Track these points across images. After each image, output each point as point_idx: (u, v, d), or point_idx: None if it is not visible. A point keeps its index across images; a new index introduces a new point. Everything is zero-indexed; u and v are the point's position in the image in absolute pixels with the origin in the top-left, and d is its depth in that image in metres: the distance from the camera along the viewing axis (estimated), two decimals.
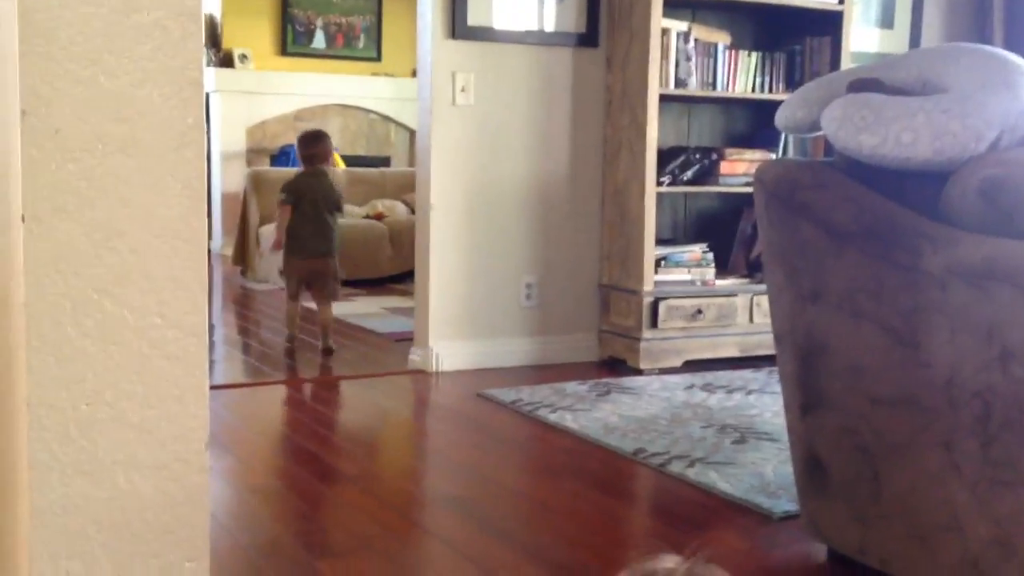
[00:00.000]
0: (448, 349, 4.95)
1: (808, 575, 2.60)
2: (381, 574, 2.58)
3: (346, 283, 7.82)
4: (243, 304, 7.51)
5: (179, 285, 1.36)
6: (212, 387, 4.76)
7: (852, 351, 2.39)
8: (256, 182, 8.50)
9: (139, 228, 1.35)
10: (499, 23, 4.92)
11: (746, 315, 5.13)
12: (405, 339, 5.45)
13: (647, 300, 4.93)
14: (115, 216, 1.35)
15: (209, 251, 9.18)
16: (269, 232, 8.09)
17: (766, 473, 3.31)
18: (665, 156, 5.10)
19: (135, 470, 1.34)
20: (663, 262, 5.03)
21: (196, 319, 1.38)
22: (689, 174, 5.14)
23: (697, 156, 5.16)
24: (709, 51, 5.15)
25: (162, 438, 1.35)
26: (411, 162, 10.45)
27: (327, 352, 5.43)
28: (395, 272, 8.27)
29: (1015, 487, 2.08)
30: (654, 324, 4.94)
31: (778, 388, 3.20)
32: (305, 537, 2.85)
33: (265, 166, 10.05)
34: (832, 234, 2.41)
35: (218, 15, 10.34)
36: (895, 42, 6.06)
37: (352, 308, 6.89)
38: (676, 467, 3.38)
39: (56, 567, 1.31)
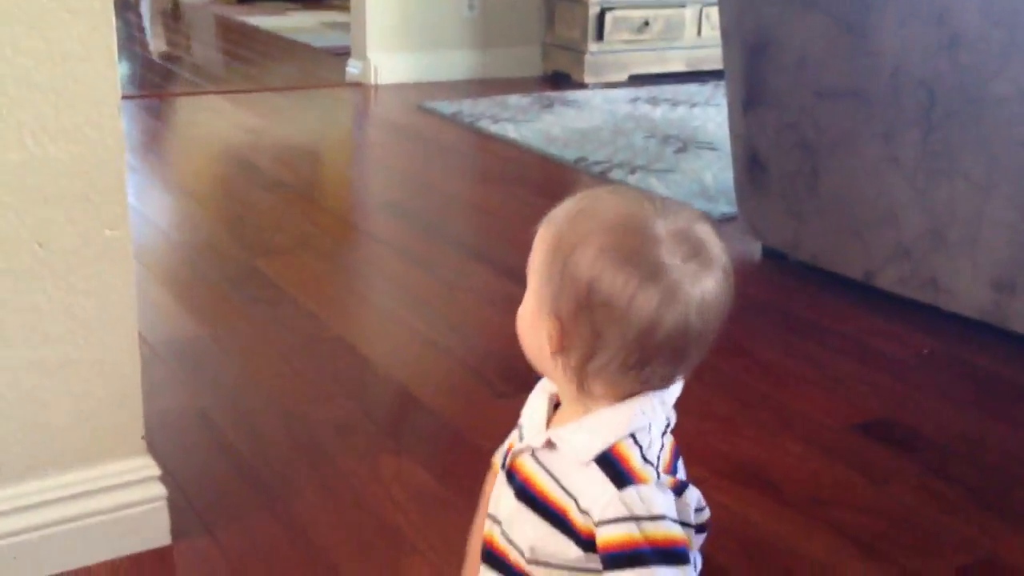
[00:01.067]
0: (387, 61, 4.80)
1: (743, 271, 2.64)
2: (318, 270, 2.57)
3: None
4: (173, 17, 7.19)
5: None
6: (144, 96, 4.62)
7: (800, 43, 2.33)
8: None
9: None
10: None
11: (695, 28, 5.00)
12: (343, 53, 5.26)
13: (593, 11, 4.77)
14: None
15: None
16: None
17: (706, 179, 3.31)
18: None
19: (44, 133, 1.26)
20: None
21: None
22: None
23: None
24: None
25: (71, 100, 1.27)
26: None
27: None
28: None
29: (952, 177, 2.08)
30: (600, 36, 4.81)
31: (723, 101, 3.15)
32: (242, 238, 2.82)
33: None
34: None
35: None
36: None
37: (288, 22, 6.62)
38: (617, 174, 3.36)
39: None
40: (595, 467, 0.94)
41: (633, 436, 0.95)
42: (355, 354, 2.09)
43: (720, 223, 2.90)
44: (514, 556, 1.00)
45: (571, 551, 0.95)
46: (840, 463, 1.71)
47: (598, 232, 0.92)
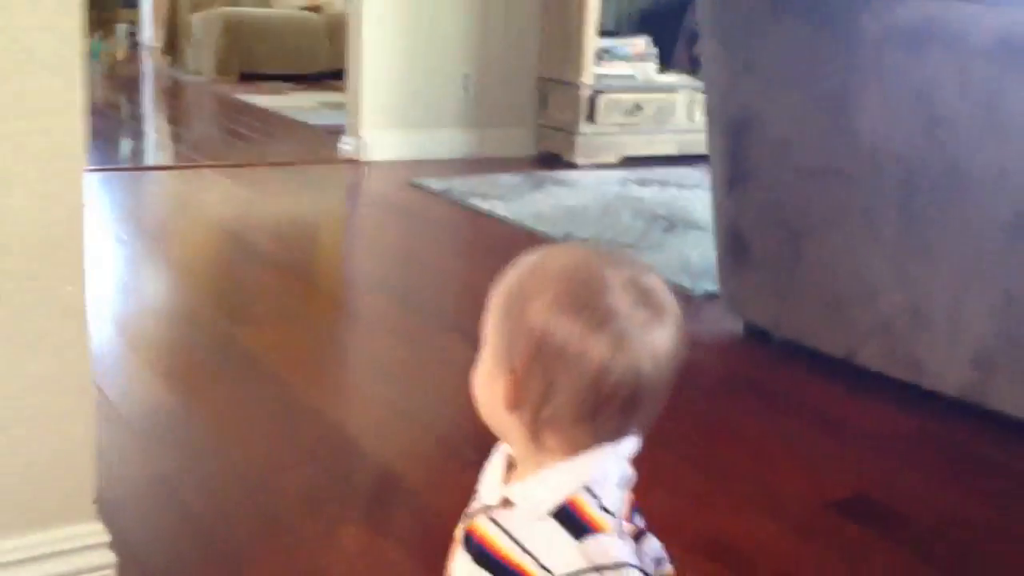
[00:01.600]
0: (381, 139, 4.83)
1: (725, 347, 2.62)
2: (299, 341, 2.55)
3: (282, 77, 7.63)
4: (173, 95, 7.27)
5: None
6: (139, 169, 4.65)
7: (782, 122, 2.34)
8: None
9: None
10: None
11: (685, 112, 5.05)
12: (338, 132, 5.30)
13: (585, 93, 4.82)
14: None
15: (139, 44, 8.84)
16: (200, 20, 7.78)
17: (691, 257, 3.30)
18: None
19: (4, 183, 1.26)
20: (604, 55, 4.89)
21: None
22: None
23: None
24: None
25: (35, 151, 1.27)
26: None
27: None
28: (333, 68, 8.01)
29: (931, 255, 2.07)
30: (591, 118, 4.85)
31: None
32: (225, 308, 2.80)
33: None
34: (772, 0, 2.32)
35: None
36: None
37: (287, 101, 6.69)
38: None
39: None
40: (552, 521, 0.92)
41: (589, 489, 0.93)
42: (326, 423, 2.06)
43: (703, 301, 2.89)
44: None
45: None
46: (814, 541, 1.67)
47: (549, 284, 0.92)
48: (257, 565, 1.54)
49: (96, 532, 1.40)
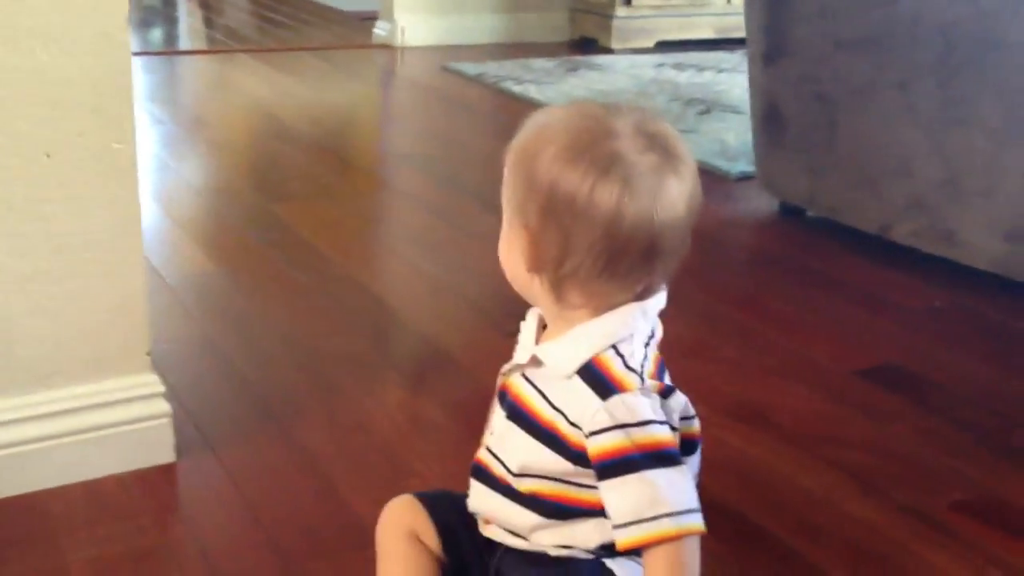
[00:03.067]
0: (414, 23, 4.80)
1: (760, 226, 2.64)
2: (334, 215, 2.59)
3: None
4: None
5: None
6: (175, 53, 4.65)
7: None
8: None
9: None
10: None
11: None
12: (373, 17, 5.26)
13: None
14: None
15: None
16: None
17: (727, 140, 3.29)
18: None
19: (54, 42, 1.28)
20: None
21: None
22: None
23: None
24: None
25: (81, 10, 1.29)
26: None
27: None
28: None
29: (968, 125, 2.06)
30: (627, 2, 4.79)
31: None
32: (261, 185, 2.84)
33: None
34: None
35: None
36: None
37: None
38: None
39: None
40: (578, 380, 0.95)
41: (615, 347, 0.95)
42: (367, 293, 2.11)
43: (739, 182, 2.90)
44: (499, 470, 1.02)
45: (561, 465, 0.97)
46: (844, 405, 1.70)
47: (555, 137, 0.93)
48: (302, 418, 1.60)
49: (151, 382, 1.46)
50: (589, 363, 0.95)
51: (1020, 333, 2.00)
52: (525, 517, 1.00)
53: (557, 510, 0.98)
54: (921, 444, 1.58)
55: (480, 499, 1.05)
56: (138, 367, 1.45)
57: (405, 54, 4.72)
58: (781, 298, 2.14)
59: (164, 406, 1.47)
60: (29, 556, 1.26)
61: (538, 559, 1.01)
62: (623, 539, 0.92)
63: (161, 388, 1.47)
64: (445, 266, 2.26)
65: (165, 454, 1.47)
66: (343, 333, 1.92)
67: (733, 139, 3.29)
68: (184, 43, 5.13)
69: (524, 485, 0.99)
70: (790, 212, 2.60)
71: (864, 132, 2.29)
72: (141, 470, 1.44)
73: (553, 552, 1.00)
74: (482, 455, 1.05)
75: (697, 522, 0.92)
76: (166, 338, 1.80)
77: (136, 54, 4.48)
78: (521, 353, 1.02)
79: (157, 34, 5.28)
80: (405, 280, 2.25)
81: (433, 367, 1.81)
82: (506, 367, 1.03)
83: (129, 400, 1.44)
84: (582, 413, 0.94)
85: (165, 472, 1.45)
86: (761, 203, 2.70)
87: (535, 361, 0.99)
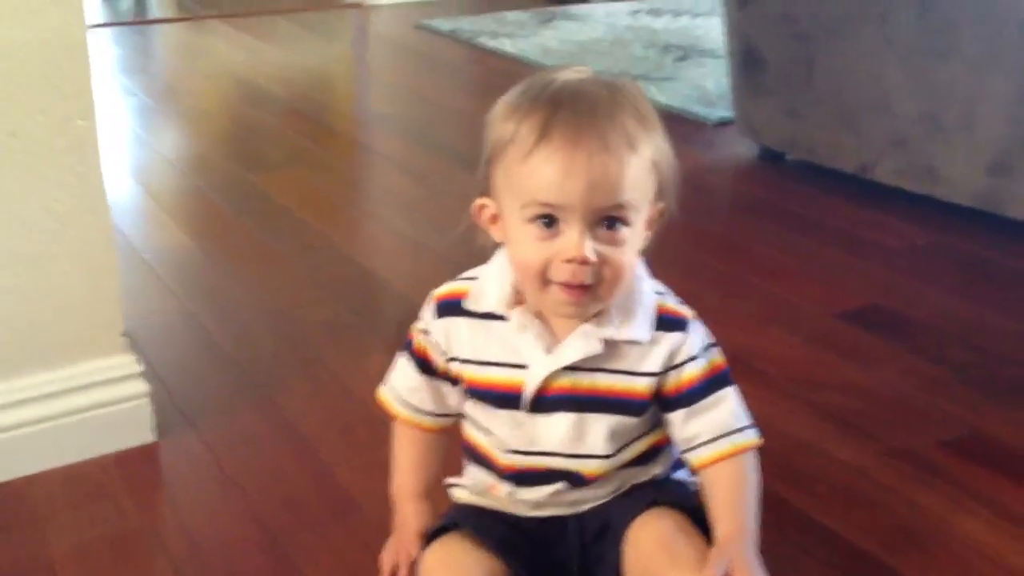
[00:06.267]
0: None
1: (740, 172, 2.62)
2: (314, 182, 2.56)
3: None
4: None
5: None
6: (144, 22, 4.59)
7: None
8: None
9: None
10: None
11: None
12: None
13: None
14: None
15: None
16: None
17: (706, 85, 3.26)
18: None
19: (7, 17, 1.25)
20: None
21: None
22: None
23: None
24: None
25: None
26: None
27: None
28: None
29: (947, 57, 2.04)
30: None
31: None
32: (236, 153, 2.81)
33: None
34: None
35: None
36: None
37: None
38: None
39: None
40: (656, 334, 0.97)
41: (657, 292, 1.00)
42: (346, 260, 2.09)
43: (718, 128, 2.87)
44: (581, 465, 1.00)
45: (645, 423, 1.01)
46: (828, 349, 1.70)
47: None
48: (284, 389, 1.59)
49: (127, 363, 1.44)
50: (656, 317, 0.98)
51: (1004, 269, 1.99)
52: (616, 481, 1.02)
53: (645, 460, 1.03)
54: (906, 385, 1.58)
55: (553, 495, 1.02)
56: (113, 348, 1.43)
57: (377, 12, 4.66)
58: (763, 244, 2.13)
59: (142, 386, 1.45)
60: (11, 543, 1.26)
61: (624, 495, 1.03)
62: (711, 453, 0.98)
63: (138, 368, 1.45)
64: (421, 227, 2.24)
65: (145, 434, 1.46)
66: (324, 301, 1.90)
67: (712, 85, 3.26)
68: (154, 11, 5.05)
69: (621, 458, 1.01)
70: (770, 156, 2.58)
71: (843, 70, 2.26)
72: (121, 451, 1.43)
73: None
74: (534, 462, 1.00)
75: (759, 435, 1.01)
76: (144, 314, 1.79)
77: (105, 25, 4.41)
78: (569, 351, 0.96)
79: (126, 3, 5.19)
80: (386, 244, 2.23)
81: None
82: (541, 374, 0.97)
83: (105, 382, 1.42)
84: (670, 357, 0.98)
85: (146, 452, 1.44)
86: (741, 148, 2.67)
87: (606, 344, 0.96)
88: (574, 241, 0.89)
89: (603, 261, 0.90)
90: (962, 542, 1.23)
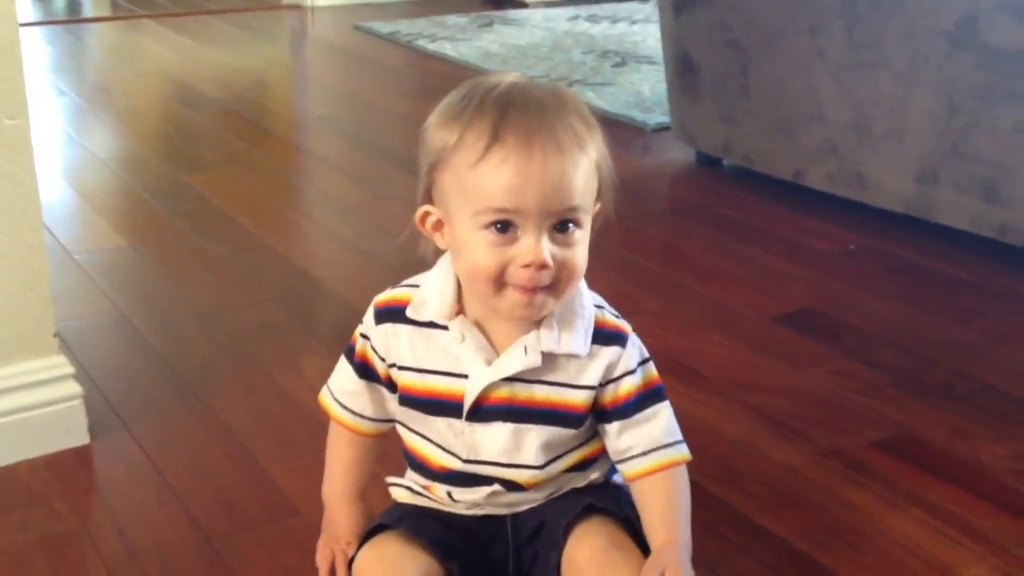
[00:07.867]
0: None
1: (677, 177, 2.64)
2: (250, 183, 2.54)
3: None
4: None
5: None
6: (79, 20, 4.51)
7: None
8: None
9: None
10: None
11: None
12: None
13: None
14: None
15: None
16: None
17: (643, 91, 3.29)
18: None
19: None
20: None
21: None
22: None
23: None
24: None
25: None
26: None
27: None
28: None
29: (875, 69, 2.08)
30: None
31: None
32: (169, 154, 2.77)
33: None
34: None
35: None
36: None
37: None
38: None
39: None
40: (593, 348, 0.98)
41: (596, 305, 1.01)
42: (281, 261, 2.07)
43: (655, 133, 2.90)
44: (514, 474, 1.00)
45: (579, 435, 1.02)
46: (763, 352, 1.72)
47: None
48: (219, 392, 1.57)
49: (60, 364, 1.42)
50: (594, 332, 0.99)
51: (931, 272, 2.03)
52: (553, 485, 1.03)
53: (582, 467, 1.04)
54: (838, 387, 1.61)
55: (490, 497, 1.02)
56: (45, 350, 1.41)
57: (315, 14, 4.63)
58: (700, 248, 2.15)
59: (75, 388, 1.43)
60: None
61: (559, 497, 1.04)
62: (643, 466, 1.00)
63: (70, 370, 1.43)
64: (362, 230, 2.23)
65: (78, 436, 1.43)
66: (260, 303, 1.88)
67: (648, 90, 3.29)
68: (87, 10, 4.97)
69: (554, 468, 1.01)
70: (707, 162, 2.61)
71: (776, 79, 2.30)
72: (54, 454, 1.41)
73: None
74: (473, 469, 1.00)
75: (688, 451, 1.03)
76: (76, 316, 1.76)
77: (37, 23, 4.33)
78: (509, 363, 0.96)
79: (59, 2, 5.10)
80: (322, 246, 2.22)
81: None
82: (480, 385, 0.97)
83: (37, 384, 1.40)
84: (607, 370, 0.98)
85: (79, 454, 1.42)
86: (678, 154, 2.70)
87: (546, 356, 0.96)
88: (531, 246, 0.89)
89: (559, 264, 0.90)
90: (893, 540, 1.25)
